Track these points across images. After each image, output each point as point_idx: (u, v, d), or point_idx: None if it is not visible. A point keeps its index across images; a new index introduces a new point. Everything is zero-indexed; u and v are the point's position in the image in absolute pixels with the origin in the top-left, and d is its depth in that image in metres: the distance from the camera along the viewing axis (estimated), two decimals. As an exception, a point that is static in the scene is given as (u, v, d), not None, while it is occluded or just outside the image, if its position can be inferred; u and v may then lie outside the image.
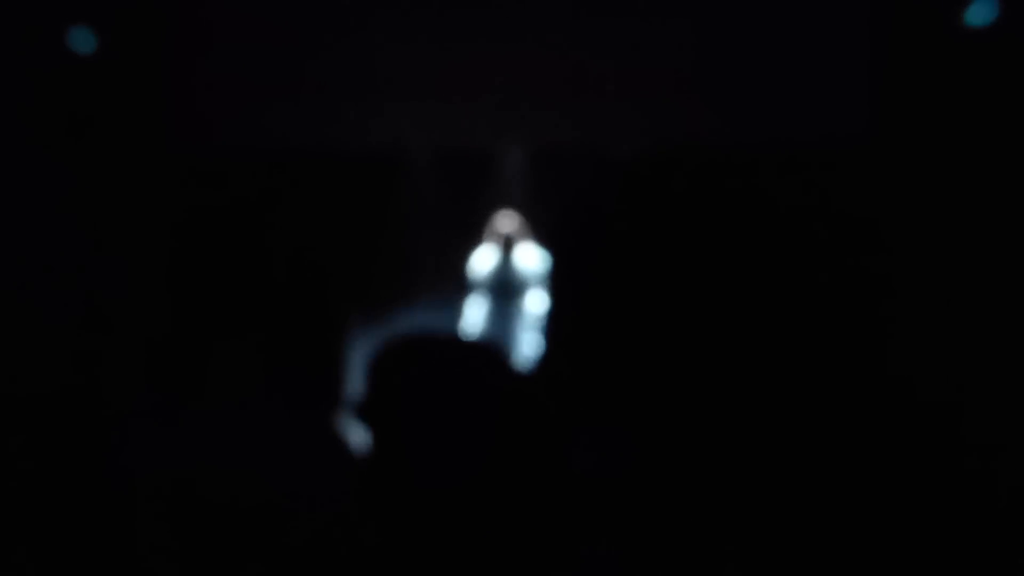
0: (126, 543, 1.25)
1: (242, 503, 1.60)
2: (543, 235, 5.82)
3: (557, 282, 5.91)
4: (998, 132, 4.54)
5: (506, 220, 5.69)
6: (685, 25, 4.84)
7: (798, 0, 4.80)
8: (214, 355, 2.03)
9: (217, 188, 5.72)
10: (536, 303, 5.69)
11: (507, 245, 5.65)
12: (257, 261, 5.96)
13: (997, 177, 4.57)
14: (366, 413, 1.71)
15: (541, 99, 4.95)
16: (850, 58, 4.74)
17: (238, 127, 5.15)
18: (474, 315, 5.69)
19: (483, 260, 5.70)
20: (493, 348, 1.10)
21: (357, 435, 1.86)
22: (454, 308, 5.84)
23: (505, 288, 5.63)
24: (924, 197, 4.71)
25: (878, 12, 4.70)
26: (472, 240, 5.84)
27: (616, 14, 4.86)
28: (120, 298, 5.15)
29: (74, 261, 4.90)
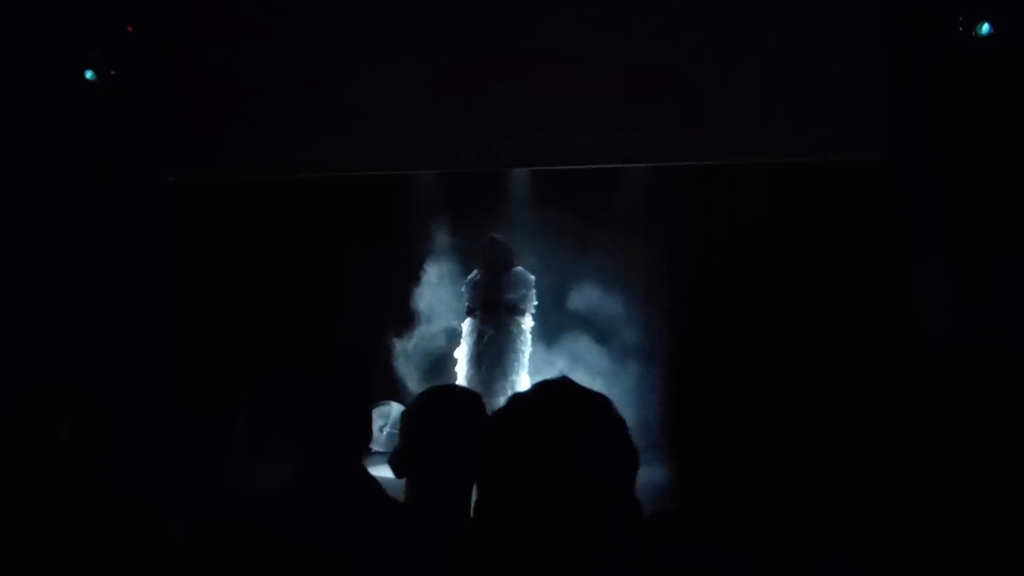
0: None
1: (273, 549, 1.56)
2: (541, 257, 5.78)
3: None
4: (1006, 143, 4.53)
5: (503, 242, 5.61)
6: (694, 45, 4.84)
7: (812, 20, 4.80)
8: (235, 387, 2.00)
9: (229, 215, 5.75)
10: (529, 323, 5.65)
11: (503, 266, 5.56)
12: (271, 286, 5.91)
13: (1006, 188, 4.56)
14: (402, 461, 1.71)
15: (545, 123, 4.94)
16: (861, 75, 4.72)
17: (248, 153, 5.18)
18: (470, 336, 5.63)
19: (480, 282, 5.62)
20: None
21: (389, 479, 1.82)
22: (455, 330, 5.80)
23: (500, 309, 5.53)
24: (938, 208, 4.69)
25: (888, 31, 4.70)
26: (471, 262, 5.80)
27: (628, 34, 4.86)
28: (137, 326, 5.16)
29: (88, 284, 4.94)
